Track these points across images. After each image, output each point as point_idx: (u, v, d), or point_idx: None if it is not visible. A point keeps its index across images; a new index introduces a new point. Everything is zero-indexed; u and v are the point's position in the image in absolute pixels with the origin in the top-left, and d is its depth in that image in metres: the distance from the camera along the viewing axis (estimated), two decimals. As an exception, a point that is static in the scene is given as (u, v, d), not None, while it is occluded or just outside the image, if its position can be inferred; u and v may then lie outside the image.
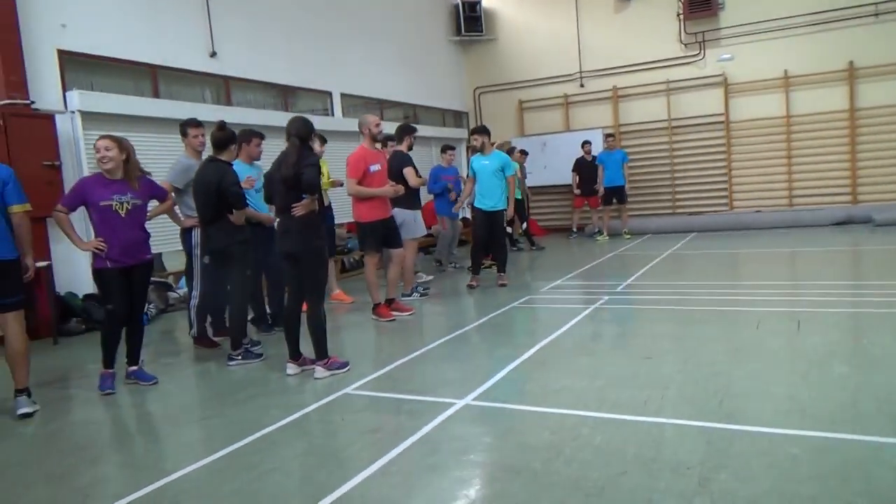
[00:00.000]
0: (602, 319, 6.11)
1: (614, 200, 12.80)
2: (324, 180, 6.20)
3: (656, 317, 6.05)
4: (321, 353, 4.80)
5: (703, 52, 13.50)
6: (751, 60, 13.06)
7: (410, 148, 7.72)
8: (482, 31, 15.30)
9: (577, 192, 13.20)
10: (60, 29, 7.10)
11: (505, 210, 8.11)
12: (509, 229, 10.56)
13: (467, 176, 8.56)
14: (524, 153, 13.02)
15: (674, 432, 3.28)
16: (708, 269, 9.03)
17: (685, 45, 13.64)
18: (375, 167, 6.42)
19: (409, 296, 7.64)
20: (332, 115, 11.28)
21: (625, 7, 14.11)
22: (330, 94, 11.31)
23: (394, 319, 6.55)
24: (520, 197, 11.92)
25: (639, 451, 3.07)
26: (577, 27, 14.59)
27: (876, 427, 3.17)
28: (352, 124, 10.96)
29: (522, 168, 12.66)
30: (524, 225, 12.18)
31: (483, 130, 8.14)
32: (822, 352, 4.49)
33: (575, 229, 13.66)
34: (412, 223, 7.50)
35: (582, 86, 14.71)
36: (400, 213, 7.18)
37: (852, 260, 9.17)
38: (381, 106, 12.86)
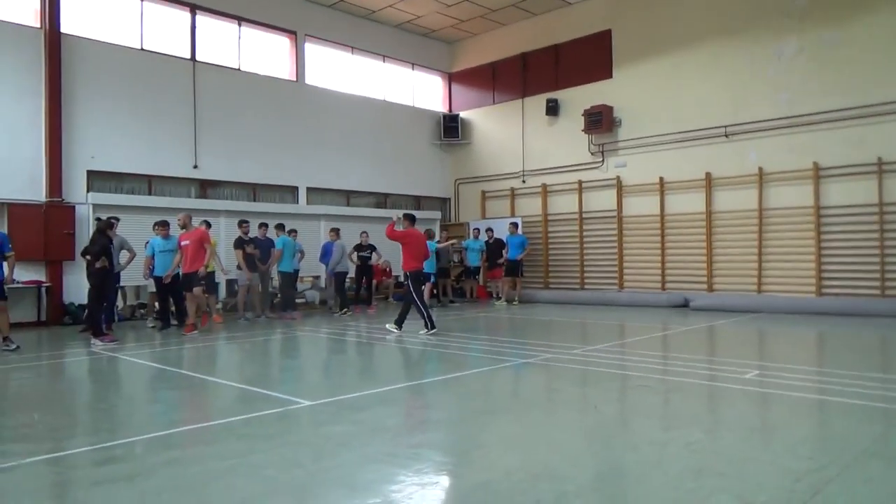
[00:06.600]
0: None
1: (512, 273, 16.36)
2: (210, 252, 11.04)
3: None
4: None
5: (604, 159, 16.72)
6: (638, 167, 16.08)
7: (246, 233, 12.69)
8: (458, 137, 19.69)
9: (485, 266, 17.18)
10: (90, 159, 12.92)
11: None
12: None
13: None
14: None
15: None
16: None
17: (592, 153, 16.94)
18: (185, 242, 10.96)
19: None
20: (298, 203, 16.32)
21: (554, 122, 17.77)
22: (297, 188, 16.39)
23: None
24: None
25: None
26: (522, 135, 18.47)
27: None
28: (314, 209, 16.05)
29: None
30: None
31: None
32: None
33: (494, 295, 17.26)
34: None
35: (524, 181, 18.44)
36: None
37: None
38: (349, 196, 17.71)
